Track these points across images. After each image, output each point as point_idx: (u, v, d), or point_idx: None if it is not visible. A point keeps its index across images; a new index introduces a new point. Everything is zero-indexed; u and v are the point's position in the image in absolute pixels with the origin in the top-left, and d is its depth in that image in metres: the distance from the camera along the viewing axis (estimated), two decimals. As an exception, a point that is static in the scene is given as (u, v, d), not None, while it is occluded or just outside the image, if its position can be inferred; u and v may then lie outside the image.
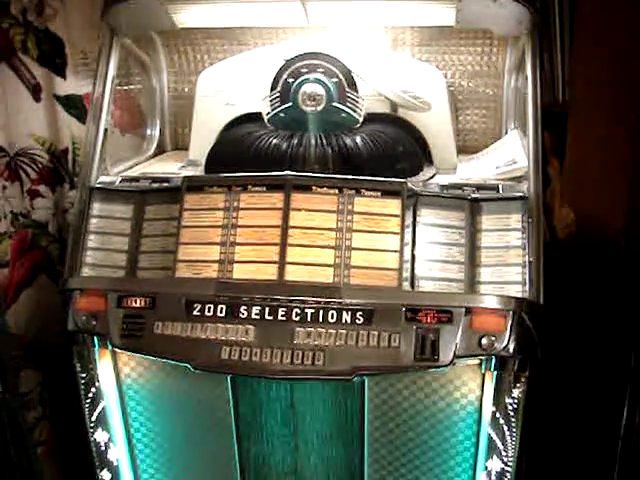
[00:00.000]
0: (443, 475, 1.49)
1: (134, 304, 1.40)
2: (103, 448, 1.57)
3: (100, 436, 1.56)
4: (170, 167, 1.77)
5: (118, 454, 1.58)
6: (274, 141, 1.55)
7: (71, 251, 1.51)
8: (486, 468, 1.43)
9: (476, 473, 1.46)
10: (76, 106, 1.96)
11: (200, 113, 1.77)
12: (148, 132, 1.96)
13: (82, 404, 1.54)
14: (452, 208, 1.42)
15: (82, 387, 1.52)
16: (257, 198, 1.42)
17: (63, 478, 2.05)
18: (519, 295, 1.35)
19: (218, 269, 1.40)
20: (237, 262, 1.40)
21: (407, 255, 1.38)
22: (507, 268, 1.38)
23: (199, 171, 1.67)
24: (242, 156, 1.55)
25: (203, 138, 1.72)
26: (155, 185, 1.53)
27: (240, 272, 1.39)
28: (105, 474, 1.60)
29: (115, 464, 1.59)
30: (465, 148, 1.80)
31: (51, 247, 1.96)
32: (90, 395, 1.52)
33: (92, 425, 1.55)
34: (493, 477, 1.43)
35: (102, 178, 1.57)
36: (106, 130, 1.59)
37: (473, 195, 1.43)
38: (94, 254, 1.51)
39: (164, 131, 1.97)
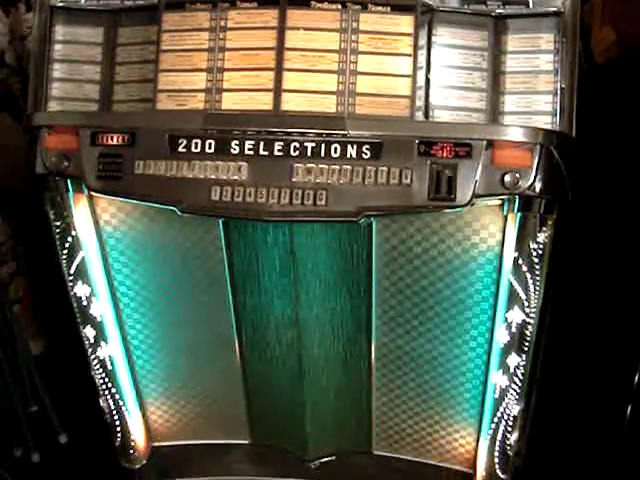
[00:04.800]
0: (459, 327, 1.56)
1: (111, 141, 1.42)
2: (85, 303, 1.63)
3: (81, 290, 1.61)
4: (144, -17, 1.73)
5: (102, 309, 1.65)
6: (265, -52, 1.51)
7: (34, 83, 1.50)
8: (506, 320, 1.48)
9: (494, 325, 1.52)
10: None
11: None
12: (115, -59, 1.90)
13: (59, 256, 1.58)
14: (473, 26, 1.40)
15: (57, 237, 1.56)
16: (247, 16, 1.41)
17: (44, 337, 2.14)
18: (548, 127, 1.36)
19: (205, 99, 1.41)
20: (226, 90, 1.40)
21: (421, 81, 1.38)
22: (535, 96, 1.38)
23: (179, -14, 1.64)
24: (228, -33, 1.52)
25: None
26: (128, 3, 1.50)
27: (230, 102, 1.40)
28: (89, 331, 1.67)
29: (99, 320, 1.66)
30: (491, -45, 1.75)
31: (11, 80, 1.95)
32: (67, 245, 1.57)
33: (71, 278, 1.60)
34: (513, 329, 1.48)
35: (64, -5, 1.54)
36: (63, -64, 1.54)
37: (498, 10, 1.40)
38: (61, 86, 1.51)
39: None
